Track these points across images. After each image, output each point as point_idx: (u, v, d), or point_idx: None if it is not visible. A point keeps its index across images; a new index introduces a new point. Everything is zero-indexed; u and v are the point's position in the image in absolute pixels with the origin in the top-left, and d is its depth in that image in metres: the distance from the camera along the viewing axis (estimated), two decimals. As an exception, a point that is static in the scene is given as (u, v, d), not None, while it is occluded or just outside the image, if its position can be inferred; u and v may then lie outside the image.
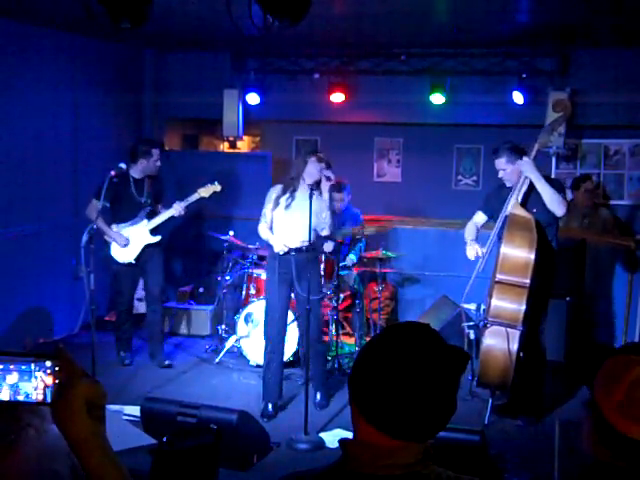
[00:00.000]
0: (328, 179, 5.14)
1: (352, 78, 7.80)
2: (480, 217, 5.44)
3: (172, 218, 6.20)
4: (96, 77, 7.47)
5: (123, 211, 6.08)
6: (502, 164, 5.13)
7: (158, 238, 6.14)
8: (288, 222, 5.20)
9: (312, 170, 5.09)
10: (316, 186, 5.14)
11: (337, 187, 6.94)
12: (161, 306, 6.41)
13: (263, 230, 5.34)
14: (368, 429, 1.38)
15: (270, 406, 5.31)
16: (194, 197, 6.08)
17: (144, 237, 6.10)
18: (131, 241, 6.07)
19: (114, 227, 6.06)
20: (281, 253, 5.16)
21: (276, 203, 5.23)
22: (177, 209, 6.04)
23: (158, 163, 6.13)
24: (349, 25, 6.43)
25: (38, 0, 5.57)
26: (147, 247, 6.13)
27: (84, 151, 7.29)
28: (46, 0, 5.55)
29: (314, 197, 4.97)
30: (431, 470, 1.39)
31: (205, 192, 6.10)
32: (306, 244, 5.12)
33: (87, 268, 4.99)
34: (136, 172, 6.06)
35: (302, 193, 5.13)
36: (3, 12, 5.99)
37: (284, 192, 5.21)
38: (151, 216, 6.12)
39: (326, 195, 5.19)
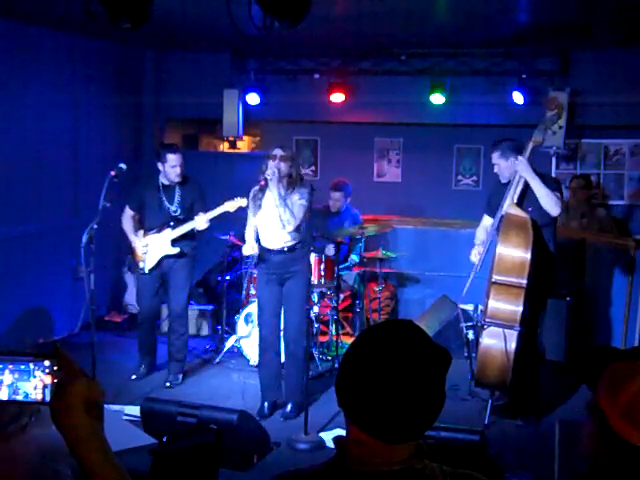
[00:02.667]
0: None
1: (352, 78, 7.80)
2: (487, 220, 5.42)
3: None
4: (96, 77, 7.47)
5: (151, 218, 5.80)
6: (496, 158, 5.15)
7: (177, 250, 5.73)
8: (263, 223, 5.18)
9: (270, 169, 5.04)
10: (288, 184, 5.08)
11: (335, 186, 6.97)
12: (183, 326, 5.96)
13: (247, 233, 5.32)
14: (357, 430, 1.38)
15: (266, 405, 5.28)
16: (219, 210, 5.62)
17: (164, 247, 5.75)
18: (151, 249, 5.77)
19: (140, 233, 5.83)
20: (247, 254, 5.18)
21: (254, 205, 5.21)
22: (200, 222, 5.62)
23: (177, 170, 5.65)
24: (349, 25, 6.43)
25: (38, 0, 5.57)
26: (167, 258, 5.78)
27: (84, 151, 7.29)
28: (46, 0, 5.55)
29: (289, 198, 5.03)
30: (425, 465, 1.40)
31: (231, 207, 5.60)
32: (288, 244, 5.13)
33: (87, 268, 4.99)
34: (163, 177, 5.76)
35: (269, 194, 5.12)
36: (3, 12, 5.99)
37: (260, 192, 5.18)
38: (177, 226, 5.74)
39: (274, 190, 5.03)
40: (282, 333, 5.36)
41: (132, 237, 5.85)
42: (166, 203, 5.74)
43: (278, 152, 5.06)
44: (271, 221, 5.11)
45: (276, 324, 5.32)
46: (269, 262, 5.19)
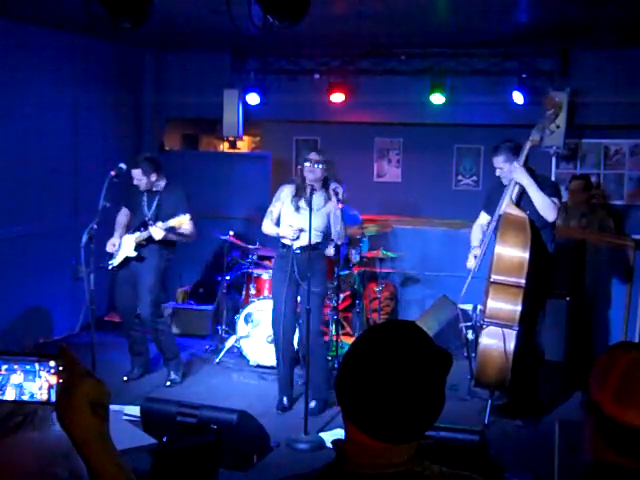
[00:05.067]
0: (336, 194, 5.17)
1: (352, 78, 7.80)
2: (484, 218, 5.40)
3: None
4: (96, 77, 7.47)
5: (134, 219, 5.89)
6: (499, 162, 5.13)
7: (134, 254, 5.73)
8: (295, 223, 5.24)
9: (307, 175, 5.19)
10: (320, 185, 5.20)
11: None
12: (159, 326, 5.90)
13: (267, 226, 5.40)
14: (357, 431, 1.38)
15: (285, 399, 5.40)
16: (169, 223, 5.56)
17: (127, 249, 5.78)
18: (121, 249, 5.81)
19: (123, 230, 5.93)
20: (292, 237, 5.18)
21: (291, 205, 5.31)
22: (154, 232, 5.58)
23: (142, 184, 5.69)
24: (349, 25, 6.43)
25: (38, 0, 5.57)
26: (130, 260, 5.79)
27: (84, 151, 7.29)
28: (46, 0, 5.55)
29: (320, 198, 5.15)
30: (426, 467, 1.39)
31: (177, 222, 5.56)
32: (313, 242, 5.17)
33: (87, 268, 4.99)
34: None
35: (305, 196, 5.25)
36: (3, 12, 5.99)
37: (295, 194, 5.30)
38: (145, 230, 5.73)
39: (334, 207, 5.24)
40: (299, 334, 5.55)
41: (115, 234, 5.88)
42: (145, 208, 5.78)
43: (321, 156, 5.23)
44: (304, 223, 5.14)
45: (292, 322, 5.43)
46: (291, 260, 5.24)
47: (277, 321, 5.38)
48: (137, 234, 5.74)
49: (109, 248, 5.82)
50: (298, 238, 5.20)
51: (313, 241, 5.14)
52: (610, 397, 1.48)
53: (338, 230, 5.29)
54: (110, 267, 5.86)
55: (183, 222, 5.57)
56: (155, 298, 5.86)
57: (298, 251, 5.23)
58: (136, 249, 5.75)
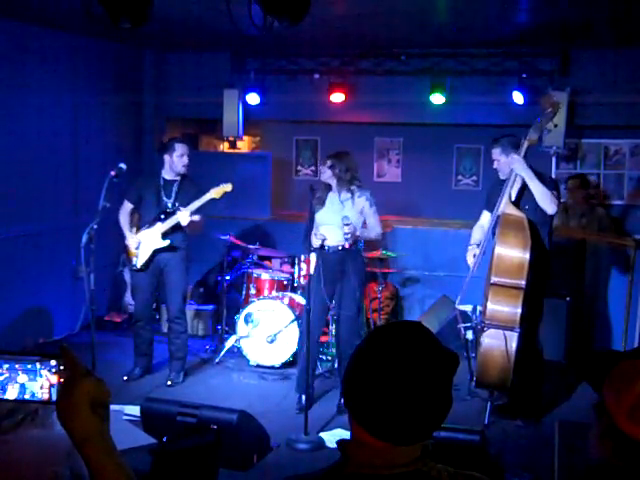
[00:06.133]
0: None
1: (352, 78, 7.80)
2: (486, 217, 5.39)
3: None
4: (96, 77, 7.48)
5: (147, 214, 5.80)
6: (497, 154, 5.16)
7: (167, 242, 5.68)
8: (322, 223, 5.39)
9: (321, 177, 5.51)
10: (337, 183, 5.35)
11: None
12: (182, 325, 5.94)
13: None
14: (362, 431, 1.38)
15: (304, 398, 5.35)
16: (204, 199, 5.61)
17: (154, 241, 5.71)
18: (143, 245, 5.74)
19: (134, 230, 5.81)
20: (316, 245, 5.29)
21: (318, 203, 5.45)
22: (182, 216, 5.58)
23: (185, 160, 5.67)
24: (349, 25, 6.43)
25: (38, 0, 5.58)
26: (160, 253, 5.76)
27: (84, 151, 7.29)
28: (46, 0, 5.55)
29: (345, 195, 5.32)
30: (431, 467, 1.39)
31: (216, 193, 5.62)
32: (342, 243, 5.25)
33: (87, 268, 4.99)
34: (166, 172, 5.75)
35: (331, 195, 5.41)
36: (3, 12, 5.99)
37: (318, 196, 5.46)
38: (167, 218, 5.69)
39: (365, 202, 5.36)
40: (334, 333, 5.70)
41: (127, 232, 5.82)
42: (164, 198, 5.74)
43: (329, 160, 5.48)
44: (327, 222, 5.29)
45: (323, 322, 5.51)
46: (325, 260, 5.30)
47: (307, 320, 5.39)
48: (159, 224, 5.69)
49: (134, 245, 5.75)
50: (323, 243, 5.30)
51: (341, 238, 5.22)
52: (625, 412, 1.45)
53: (372, 223, 5.37)
54: (136, 268, 5.80)
55: (221, 192, 5.62)
56: (185, 291, 5.99)
57: (330, 252, 5.30)
58: (164, 238, 5.71)
